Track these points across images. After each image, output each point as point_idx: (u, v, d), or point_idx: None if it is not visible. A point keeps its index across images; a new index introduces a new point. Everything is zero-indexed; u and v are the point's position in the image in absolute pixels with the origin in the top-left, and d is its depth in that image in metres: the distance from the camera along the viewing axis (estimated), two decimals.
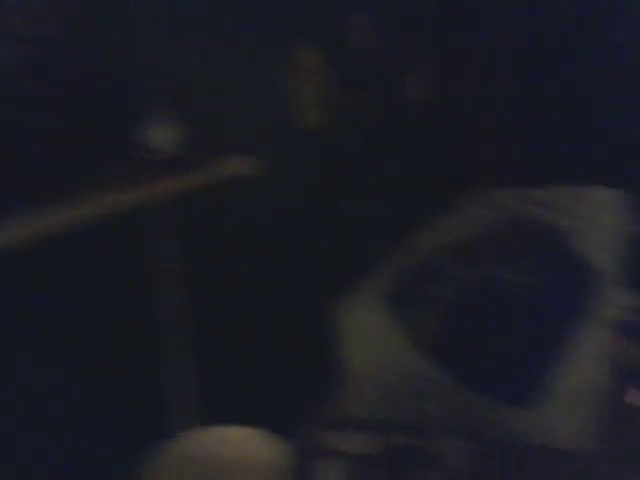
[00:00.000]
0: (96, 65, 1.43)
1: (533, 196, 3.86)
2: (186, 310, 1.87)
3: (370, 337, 2.65)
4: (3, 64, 1.18)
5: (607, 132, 4.47)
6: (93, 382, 1.56)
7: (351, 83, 2.75)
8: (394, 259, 3.10)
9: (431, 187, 4.09)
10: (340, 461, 2.44)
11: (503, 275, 2.61)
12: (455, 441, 2.42)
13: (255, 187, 1.91)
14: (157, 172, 1.42)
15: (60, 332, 1.49)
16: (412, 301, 2.59)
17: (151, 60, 1.65)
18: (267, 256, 2.32)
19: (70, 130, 1.32)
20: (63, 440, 1.49)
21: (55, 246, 1.26)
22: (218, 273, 2.06)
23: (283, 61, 2.26)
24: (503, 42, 4.36)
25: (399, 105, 3.33)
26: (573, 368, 2.33)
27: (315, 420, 2.68)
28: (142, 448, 1.29)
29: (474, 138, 4.45)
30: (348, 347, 2.70)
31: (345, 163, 2.79)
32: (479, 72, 4.36)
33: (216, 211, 1.97)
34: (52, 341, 1.48)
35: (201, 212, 1.89)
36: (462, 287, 2.58)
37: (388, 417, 2.65)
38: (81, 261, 1.52)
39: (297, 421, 2.60)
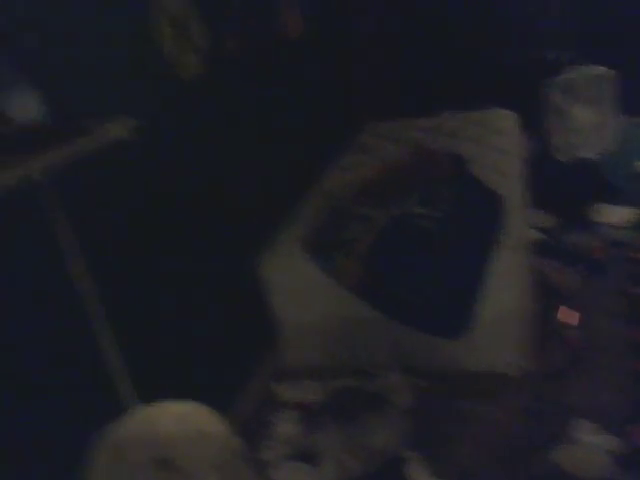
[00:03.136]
0: None
1: (428, 125, 3.89)
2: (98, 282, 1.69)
3: (295, 286, 2.59)
4: None
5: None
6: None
7: (225, 28, 2.59)
8: (306, 204, 3.03)
9: (324, 125, 4.03)
10: (291, 411, 2.43)
11: (414, 210, 2.60)
12: (395, 377, 2.44)
13: (142, 147, 1.74)
14: (29, 145, 1.26)
15: None
16: (330, 245, 2.52)
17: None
18: (176, 217, 2.16)
19: None
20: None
21: None
22: (122, 241, 1.89)
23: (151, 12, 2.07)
24: None
25: (275, 46, 3.13)
26: (496, 294, 2.35)
27: (262, 374, 2.65)
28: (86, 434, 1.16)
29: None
30: (277, 299, 2.66)
31: (233, 110, 2.65)
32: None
33: (107, 176, 1.80)
34: None
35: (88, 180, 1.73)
36: (376, 227, 2.53)
37: (328, 363, 2.64)
38: None
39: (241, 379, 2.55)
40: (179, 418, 1.17)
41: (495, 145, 3.32)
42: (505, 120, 3.78)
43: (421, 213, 2.57)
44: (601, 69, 3.71)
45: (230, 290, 2.53)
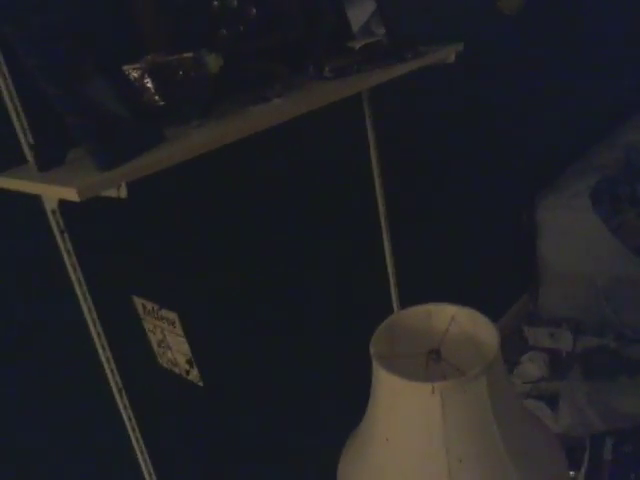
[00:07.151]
0: None
1: None
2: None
3: (571, 234, 2.54)
4: None
5: None
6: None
7: None
8: (599, 155, 2.90)
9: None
10: (539, 354, 2.48)
11: None
12: None
13: (456, 72, 1.92)
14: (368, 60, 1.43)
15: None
16: (622, 201, 2.44)
17: None
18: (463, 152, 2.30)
19: None
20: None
21: None
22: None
23: None
24: None
25: None
26: None
27: (518, 314, 2.73)
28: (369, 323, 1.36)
29: None
30: (547, 243, 2.64)
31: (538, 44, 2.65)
32: None
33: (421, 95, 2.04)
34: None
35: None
36: None
37: (588, 318, 2.58)
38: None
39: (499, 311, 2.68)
40: (453, 318, 1.29)
41: None
42: None
43: None
44: None
45: (501, 226, 2.63)
